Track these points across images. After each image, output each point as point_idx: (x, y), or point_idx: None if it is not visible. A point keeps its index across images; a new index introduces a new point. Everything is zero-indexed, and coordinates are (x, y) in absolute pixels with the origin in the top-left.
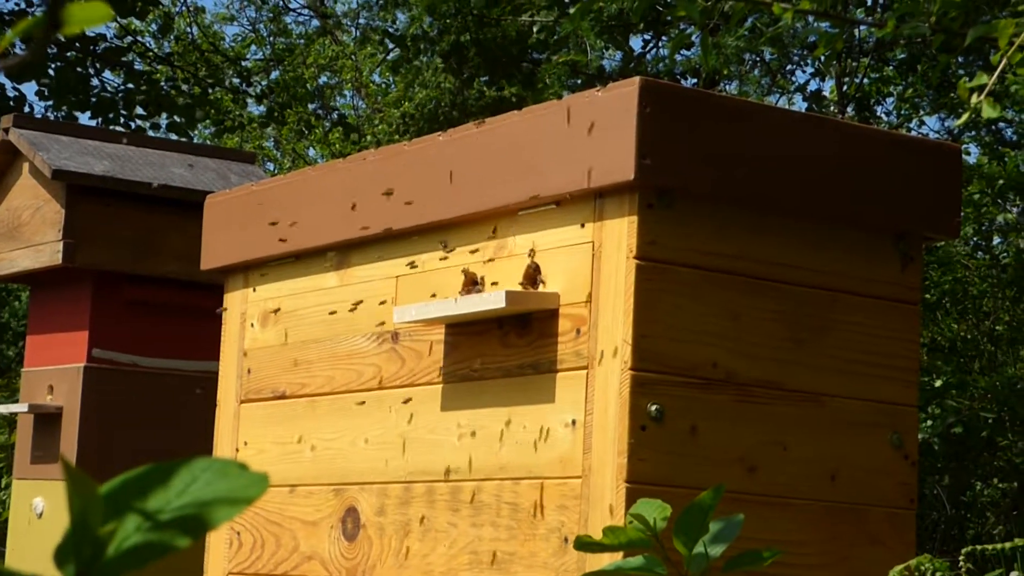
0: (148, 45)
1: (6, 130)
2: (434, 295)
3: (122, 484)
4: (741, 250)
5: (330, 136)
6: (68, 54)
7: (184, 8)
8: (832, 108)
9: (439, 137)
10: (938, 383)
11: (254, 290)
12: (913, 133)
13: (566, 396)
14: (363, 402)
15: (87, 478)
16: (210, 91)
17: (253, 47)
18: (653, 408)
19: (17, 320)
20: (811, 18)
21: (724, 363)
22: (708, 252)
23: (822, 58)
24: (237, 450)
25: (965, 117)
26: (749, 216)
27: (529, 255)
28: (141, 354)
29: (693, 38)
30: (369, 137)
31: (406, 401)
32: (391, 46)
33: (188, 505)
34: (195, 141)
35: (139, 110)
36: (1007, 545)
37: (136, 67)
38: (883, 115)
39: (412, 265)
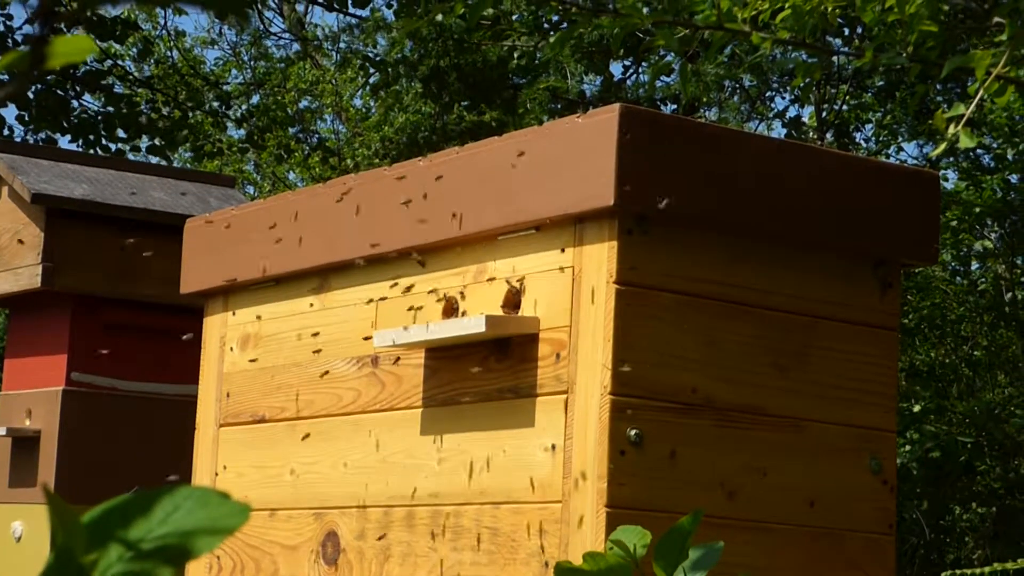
0: (128, 69)
1: None
2: (414, 320)
3: (104, 513)
4: (721, 276)
5: (310, 160)
6: (48, 76)
7: (165, 32)
8: (811, 134)
9: (419, 162)
10: (916, 408)
11: (233, 314)
12: (891, 160)
13: (546, 421)
14: (343, 426)
15: (69, 507)
16: (190, 115)
17: (233, 71)
18: (632, 433)
19: None
20: (790, 47)
21: (703, 388)
22: (688, 277)
23: (801, 85)
24: (216, 474)
25: (942, 147)
26: (729, 242)
27: (509, 280)
28: (120, 377)
29: (673, 65)
30: (349, 161)
31: (386, 425)
32: (371, 70)
33: (170, 534)
34: (175, 165)
35: (119, 133)
36: (986, 570)
37: (116, 90)
38: (862, 141)
39: (392, 289)
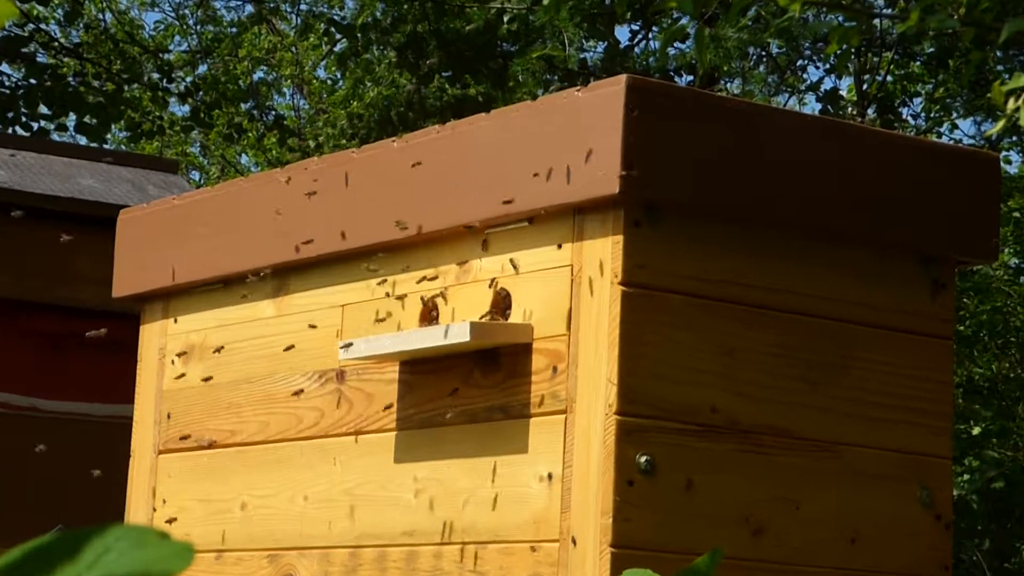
0: (53, 34)
1: None
2: (387, 327)
3: (24, 556)
4: (744, 275)
5: (265, 141)
6: None
7: None
8: (850, 110)
9: (393, 143)
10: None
11: (175, 321)
12: (944, 139)
13: (541, 445)
14: (303, 452)
15: None
16: (126, 88)
17: (176, 37)
18: (642, 459)
19: None
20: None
21: (724, 406)
22: (705, 278)
23: (837, 53)
24: (155, 509)
25: (1001, 124)
26: (753, 236)
27: (497, 281)
28: (40, 396)
29: (688, 30)
30: (311, 142)
31: (354, 451)
32: (338, 37)
33: None
34: (108, 147)
35: (43, 109)
36: None
37: (39, 59)
38: (909, 118)
39: (361, 292)
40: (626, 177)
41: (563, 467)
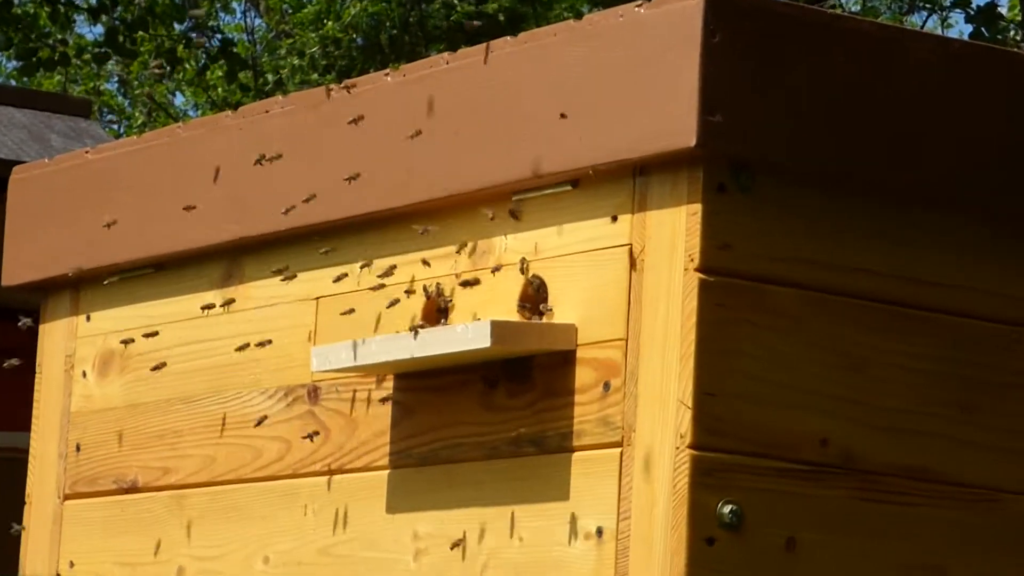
0: None
1: None
2: (377, 328)
3: None
4: (871, 260)
5: (208, 75)
6: None
7: None
8: (1013, 33)
9: (386, 77)
10: None
11: (88, 319)
12: None
13: (588, 489)
14: (262, 498)
15: None
16: (15, 3)
17: None
18: (727, 510)
19: None
20: None
21: (840, 439)
22: (814, 262)
23: None
24: (59, 574)
25: None
26: (886, 209)
27: (527, 266)
28: None
29: None
30: (270, 76)
31: (331, 495)
32: None
33: None
34: None
35: None
36: None
37: None
38: None
39: (341, 280)
40: (706, 125)
41: (617, 520)
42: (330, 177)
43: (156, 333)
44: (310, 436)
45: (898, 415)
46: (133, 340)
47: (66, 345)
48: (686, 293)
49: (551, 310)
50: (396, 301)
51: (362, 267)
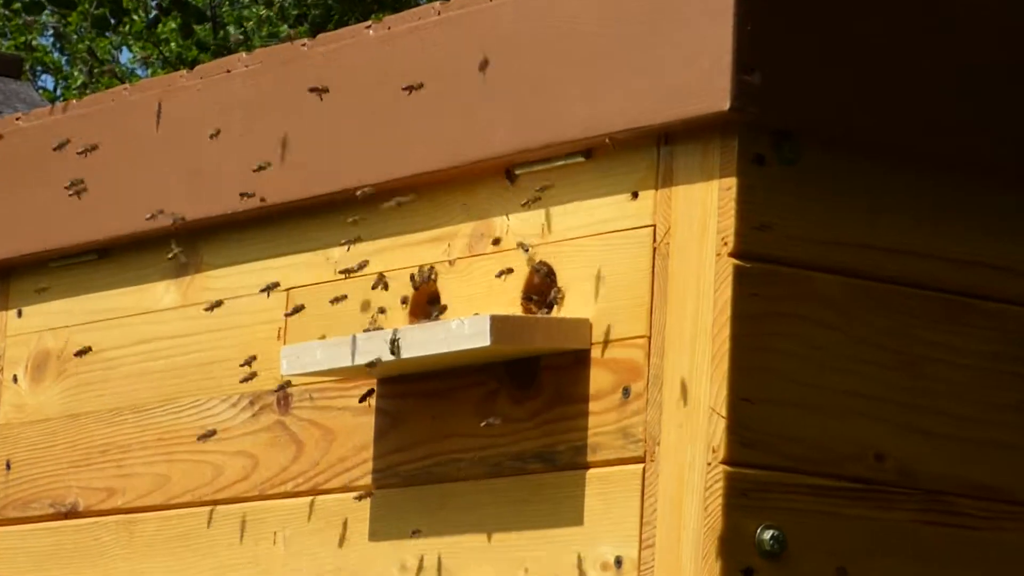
0: None
1: None
2: (357, 323)
3: None
4: (929, 243)
5: (160, 28)
6: None
7: None
8: None
9: (368, 30)
10: None
11: (18, 314)
12: None
13: (605, 513)
14: (224, 524)
15: None
16: None
17: None
18: (768, 535)
19: None
20: None
21: (898, 451)
22: (867, 246)
23: None
24: None
25: None
26: (943, 184)
27: (531, 251)
28: None
29: None
30: (232, 29)
31: (305, 521)
32: None
33: None
34: None
35: None
36: None
37: None
38: None
39: (317, 268)
40: (741, 86)
41: (639, 548)
42: (302, 147)
43: (99, 330)
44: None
45: (965, 424)
46: (69, 343)
47: None
48: (719, 282)
49: (561, 301)
50: (380, 291)
51: (339, 253)
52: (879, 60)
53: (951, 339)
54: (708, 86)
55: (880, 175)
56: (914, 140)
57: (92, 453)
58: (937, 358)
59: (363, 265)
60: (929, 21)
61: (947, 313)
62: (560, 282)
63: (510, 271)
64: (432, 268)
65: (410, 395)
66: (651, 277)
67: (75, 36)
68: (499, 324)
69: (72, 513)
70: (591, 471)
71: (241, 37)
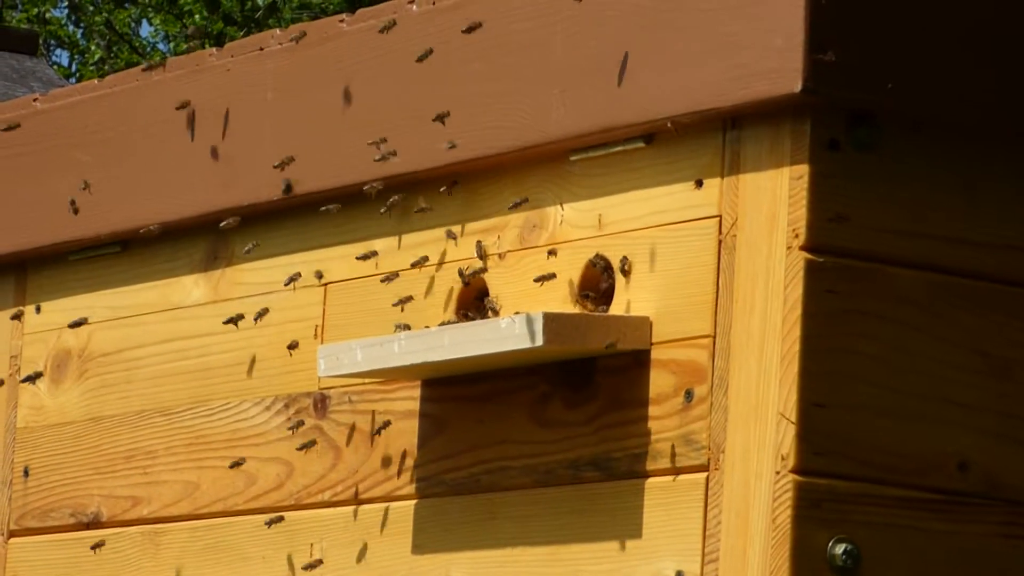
0: None
1: None
2: (399, 320)
3: None
4: (1018, 234)
5: (182, 1)
6: None
7: None
8: None
9: (410, 4)
10: None
11: (37, 310)
12: None
13: (665, 524)
14: (258, 534)
15: None
16: None
17: None
18: (840, 550)
19: None
20: None
21: (982, 461)
22: (951, 238)
23: None
24: None
25: None
26: None
27: (588, 244)
28: None
29: None
30: (260, 1)
31: (342, 532)
32: None
33: None
34: None
35: None
36: None
37: None
38: None
39: (355, 262)
40: (815, 65)
41: (702, 563)
42: (343, 130)
43: (123, 327)
44: (304, 447)
45: None
46: (91, 342)
47: (10, 343)
48: (789, 277)
49: (616, 299)
50: (424, 287)
51: (378, 248)
52: (967, 35)
53: None
54: (779, 66)
55: (967, 162)
56: (1007, 124)
57: (116, 459)
58: None
59: (417, 251)
60: None
61: None
62: (618, 277)
63: (552, 276)
64: (482, 259)
65: (456, 398)
66: (716, 272)
67: (91, 8)
68: (552, 322)
69: (94, 523)
70: (651, 480)
71: (269, 8)
